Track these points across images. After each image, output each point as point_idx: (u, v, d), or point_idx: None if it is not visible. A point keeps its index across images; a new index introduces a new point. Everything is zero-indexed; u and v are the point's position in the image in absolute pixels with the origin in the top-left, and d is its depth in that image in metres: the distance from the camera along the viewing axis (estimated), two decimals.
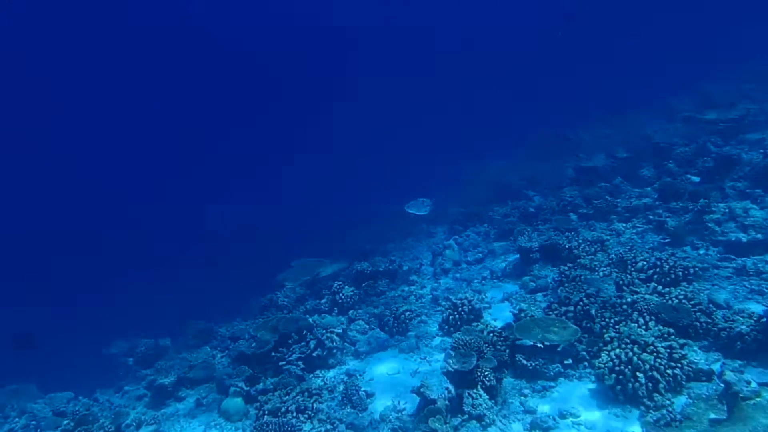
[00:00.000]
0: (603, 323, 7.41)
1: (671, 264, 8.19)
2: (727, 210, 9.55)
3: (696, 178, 11.75)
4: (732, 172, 11.04)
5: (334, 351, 8.59)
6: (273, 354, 8.64)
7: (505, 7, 41.77)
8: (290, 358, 8.43)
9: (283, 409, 7.05)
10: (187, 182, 29.10)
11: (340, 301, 10.65)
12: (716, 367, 6.45)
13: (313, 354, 8.45)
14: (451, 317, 8.71)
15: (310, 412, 7.08)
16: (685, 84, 19.80)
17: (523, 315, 8.19)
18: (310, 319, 10.29)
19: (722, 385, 5.59)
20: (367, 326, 9.39)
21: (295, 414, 6.99)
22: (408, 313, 9.23)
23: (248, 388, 7.96)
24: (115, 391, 10.92)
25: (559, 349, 7.23)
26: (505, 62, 37.31)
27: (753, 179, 10.47)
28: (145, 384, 9.72)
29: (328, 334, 8.64)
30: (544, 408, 6.50)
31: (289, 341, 8.68)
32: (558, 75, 30.82)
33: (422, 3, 41.37)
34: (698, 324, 7.03)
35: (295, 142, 34.86)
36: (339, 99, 38.60)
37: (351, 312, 10.06)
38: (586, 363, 7.08)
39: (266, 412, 7.09)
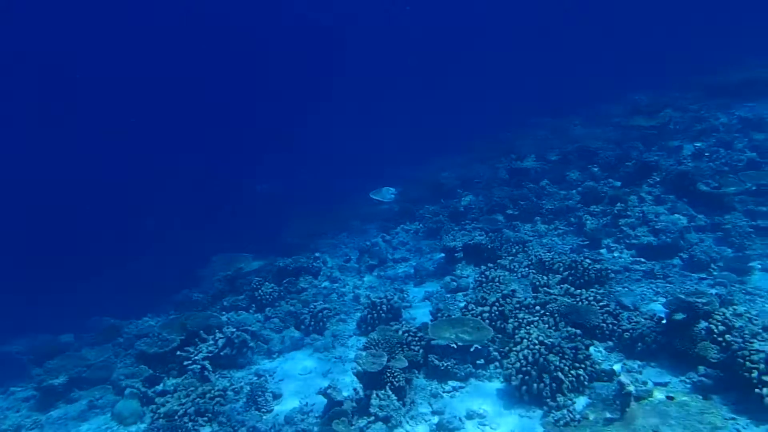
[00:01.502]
0: (516, 324, 7.55)
1: (585, 266, 8.46)
2: (640, 214, 10.01)
3: (617, 183, 12.26)
4: (649, 177, 11.59)
5: (245, 350, 8.32)
6: (178, 353, 8.27)
7: (463, 14, 42.37)
8: (196, 358, 8.08)
9: (180, 412, 6.72)
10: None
11: (258, 297, 10.36)
12: (618, 367, 6.71)
13: (221, 353, 8.14)
14: (369, 316, 8.65)
15: (210, 415, 6.80)
16: (620, 92, 20.72)
17: (440, 315, 8.25)
18: (226, 316, 10.00)
19: None
20: (283, 324, 9.17)
21: (193, 417, 6.69)
22: (326, 311, 9.09)
23: (146, 389, 7.57)
24: (2, 392, 10.14)
25: (471, 350, 7.30)
26: (458, 66, 37.87)
27: (667, 185, 11.04)
28: (34, 384, 9.05)
29: (238, 333, 8.35)
30: (452, 409, 6.53)
31: (197, 339, 8.34)
32: (507, 80, 31.61)
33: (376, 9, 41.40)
34: (605, 325, 7.29)
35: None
36: (287, 99, 37.97)
37: (268, 309, 9.79)
38: (497, 363, 7.19)
39: (161, 415, 6.74)
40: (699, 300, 6.66)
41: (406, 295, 9.80)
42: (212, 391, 7.19)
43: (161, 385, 7.67)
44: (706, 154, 12.47)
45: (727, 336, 6.17)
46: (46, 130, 29.59)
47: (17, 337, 12.81)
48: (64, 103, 31.56)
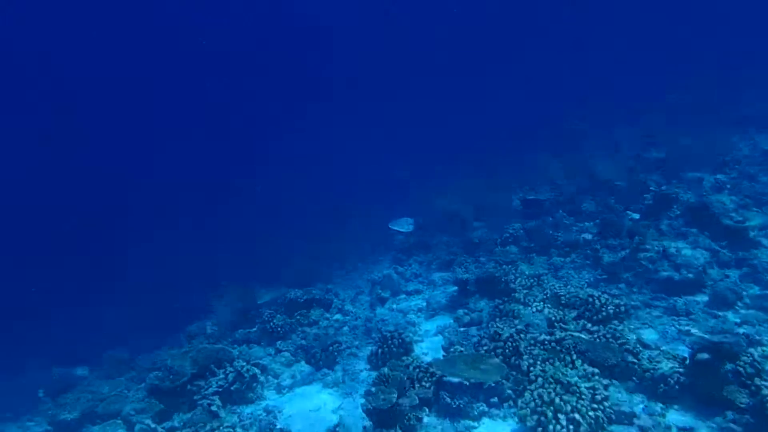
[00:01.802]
0: (531, 360, 7.32)
1: (602, 301, 8.22)
2: (660, 248, 9.75)
3: (636, 215, 12.03)
4: (669, 210, 11.35)
5: (254, 385, 8.19)
6: (189, 387, 8.18)
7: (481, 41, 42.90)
8: (206, 392, 7.98)
9: None
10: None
11: (270, 330, 10.28)
12: (638, 409, 6.42)
13: (232, 388, 8.02)
14: (380, 350, 8.48)
15: None
16: (637, 124, 20.60)
17: (452, 350, 8.06)
18: (238, 350, 9.93)
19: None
20: (294, 358, 9.04)
21: None
22: (336, 345, 8.95)
23: (155, 425, 7.46)
24: (18, 427, 10.13)
25: (485, 387, 7.07)
26: (473, 88, 38.18)
27: (687, 218, 10.78)
28: (48, 419, 9.02)
29: (248, 367, 8.24)
30: None
31: (207, 373, 8.24)
32: (520, 102, 31.69)
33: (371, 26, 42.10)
34: (624, 364, 7.02)
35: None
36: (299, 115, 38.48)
37: (279, 342, 9.67)
38: (511, 402, 6.94)
39: None
40: (725, 340, 6.40)
41: (418, 329, 9.63)
42: (221, 428, 7.05)
43: (171, 420, 7.55)
44: (728, 186, 12.21)
45: (756, 379, 5.87)
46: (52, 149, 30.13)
47: (33, 368, 12.93)
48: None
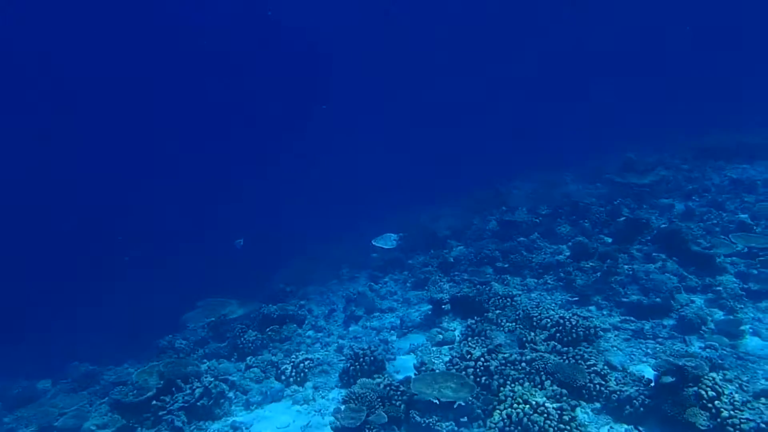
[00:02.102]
0: (501, 380, 7.37)
1: (573, 323, 8.35)
2: (631, 272, 9.96)
3: (609, 239, 12.28)
4: (641, 235, 11.61)
5: (222, 401, 8.06)
6: (154, 402, 8.00)
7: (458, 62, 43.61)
8: (171, 408, 7.82)
9: None
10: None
11: (240, 345, 10.16)
12: (604, 430, 6.51)
13: (198, 403, 7.88)
14: (351, 368, 8.44)
15: None
16: (611, 149, 21.13)
17: (423, 369, 8.07)
18: (207, 365, 9.76)
19: None
20: (263, 374, 8.92)
21: None
22: (308, 362, 8.88)
23: None
24: None
25: (455, 406, 7.09)
26: (457, 112, 38.71)
27: (658, 243, 11.04)
28: None
29: (216, 382, 8.12)
30: None
31: (173, 388, 8.09)
32: (502, 131, 32.29)
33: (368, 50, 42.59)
34: (592, 386, 7.11)
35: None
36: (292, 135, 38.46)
37: (249, 358, 9.55)
38: (480, 421, 6.96)
39: None
40: (688, 363, 6.55)
41: (391, 347, 9.62)
42: None
43: None
44: (697, 213, 12.56)
45: (716, 402, 6.02)
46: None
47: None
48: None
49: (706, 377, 6.36)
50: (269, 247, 20.14)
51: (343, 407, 6.81)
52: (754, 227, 11.19)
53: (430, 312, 10.57)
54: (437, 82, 41.82)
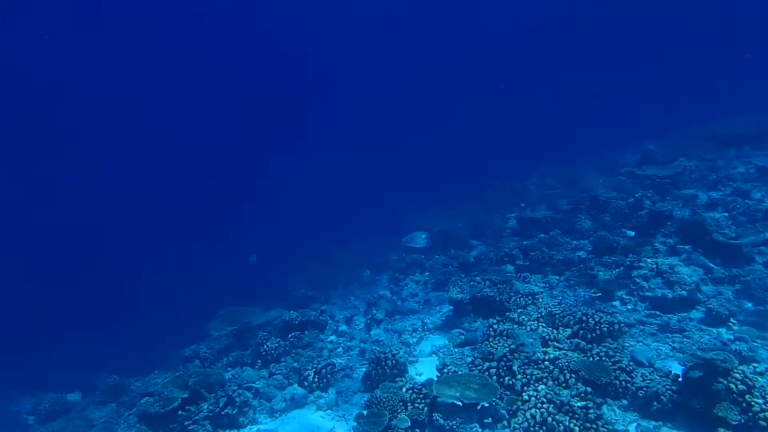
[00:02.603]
0: (524, 380, 7.32)
1: (596, 320, 8.25)
2: (654, 266, 9.80)
3: (631, 233, 12.09)
4: (663, 227, 11.42)
5: (246, 409, 8.15)
6: (180, 412, 8.14)
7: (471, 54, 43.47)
8: (197, 417, 7.95)
9: None
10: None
11: (263, 353, 10.26)
12: (632, 428, 6.42)
13: (222, 412, 7.99)
14: (373, 372, 8.46)
15: None
16: (630, 141, 20.82)
17: (446, 370, 8.05)
18: (231, 373, 9.91)
19: None
20: (286, 381, 9.00)
21: None
22: (330, 367, 8.93)
23: None
24: None
25: (478, 408, 7.06)
26: (467, 108, 38.56)
27: (682, 235, 10.84)
28: None
29: (240, 391, 8.23)
30: None
31: (198, 398, 8.22)
32: (513, 129, 32.03)
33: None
34: (617, 382, 7.02)
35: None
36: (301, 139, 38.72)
37: (272, 365, 9.65)
38: (505, 422, 6.92)
39: None
40: (717, 357, 6.43)
41: (412, 350, 9.63)
42: None
43: None
44: (722, 203, 12.30)
45: (747, 396, 5.89)
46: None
47: (25, 394, 12.85)
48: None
49: (735, 371, 6.23)
50: (284, 251, 20.32)
51: (365, 412, 6.84)
52: None
53: (451, 313, 10.55)
54: (444, 80, 41.77)
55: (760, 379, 6.20)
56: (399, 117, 38.46)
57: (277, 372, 9.36)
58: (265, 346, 10.29)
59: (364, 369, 9.11)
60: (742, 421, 5.72)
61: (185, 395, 8.28)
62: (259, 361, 10.23)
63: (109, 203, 28.29)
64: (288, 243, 21.38)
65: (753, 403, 5.73)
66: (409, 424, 6.64)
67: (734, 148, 16.25)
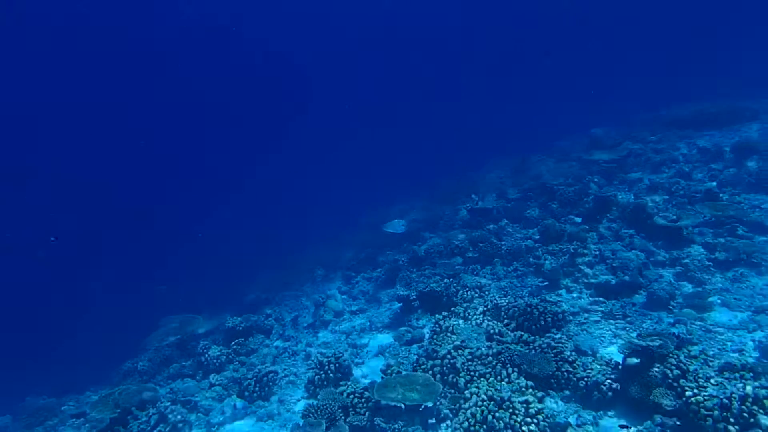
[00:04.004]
0: (468, 377, 7.23)
1: (541, 310, 8.24)
2: (598, 252, 9.89)
3: (578, 219, 12.21)
4: (609, 212, 11.56)
5: (180, 425, 7.80)
6: None
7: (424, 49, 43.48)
8: None
9: None
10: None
11: (205, 362, 9.89)
12: (573, 419, 6.40)
13: (154, 431, 7.62)
14: (317, 377, 8.25)
15: None
16: (578, 127, 21.17)
17: (389, 372, 7.89)
18: (169, 387, 9.51)
19: None
20: (226, 392, 8.68)
21: None
22: (272, 375, 8.66)
23: None
24: None
25: (421, 409, 6.93)
26: (417, 103, 38.60)
27: (625, 220, 10.99)
28: None
29: (173, 407, 7.86)
30: None
31: (129, 417, 7.82)
32: (464, 120, 32.21)
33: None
34: (560, 374, 7.00)
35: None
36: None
37: (212, 376, 9.30)
38: (449, 422, 6.82)
39: None
40: (653, 343, 6.47)
41: (359, 351, 9.44)
42: None
43: None
44: (665, 186, 12.54)
45: (681, 381, 5.93)
46: None
47: None
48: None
49: (671, 355, 6.28)
50: (244, 254, 19.91)
51: (301, 421, 6.61)
52: (721, 195, 11.18)
53: (399, 310, 10.40)
54: (403, 78, 41.80)
55: (694, 362, 6.27)
56: (360, 117, 38.27)
57: (217, 383, 9.02)
58: (206, 356, 9.92)
59: (310, 374, 8.89)
60: (677, 406, 5.75)
61: (115, 415, 7.86)
62: (201, 371, 9.87)
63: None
64: (249, 246, 20.99)
65: (686, 387, 5.77)
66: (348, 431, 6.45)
67: (678, 130, 16.65)
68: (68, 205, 27.46)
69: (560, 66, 36.37)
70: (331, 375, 8.15)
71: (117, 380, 11.37)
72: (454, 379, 7.29)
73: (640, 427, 5.92)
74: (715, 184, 12.20)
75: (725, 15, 36.92)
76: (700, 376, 5.92)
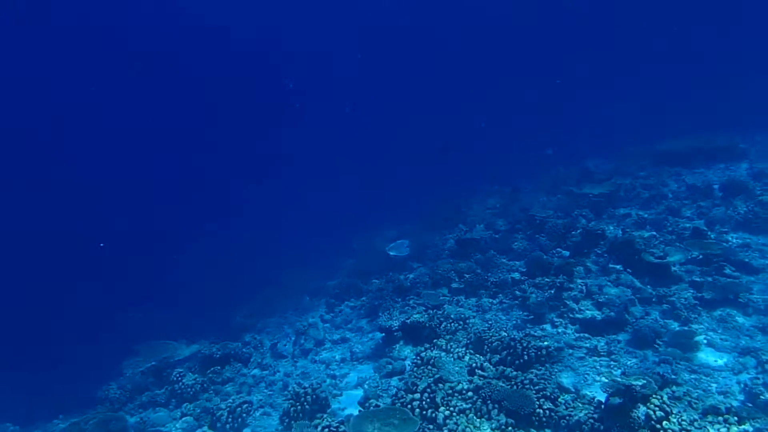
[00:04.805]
0: (447, 413, 7.06)
1: (524, 345, 8.12)
2: (584, 287, 9.82)
3: (566, 252, 12.18)
4: (597, 246, 11.54)
5: None
6: None
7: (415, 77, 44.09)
8: None
9: None
10: None
11: (179, 391, 9.63)
12: None
13: None
14: (292, 409, 8.02)
15: None
16: (570, 159, 21.34)
17: (368, 404, 7.70)
18: (139, 416, 9.23)
19: None
20: (196, 423, 8.43)
21: None
22: (246, 405, 8.43)
23: None
24: None
25: None
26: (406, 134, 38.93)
27: (613, 255, 10.97)
28: None
29: None
30: None
31: None
32: (460, 145, 32.39)
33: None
34: (541, 411, 6.85)
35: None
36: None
37: (184, 405, 9.04)
38: None
39: None
40: (636, 382, 6.36)
41: (338, 382, 9.25)
42: None
43: None
44: (653, 221, 12.58)
45: (665, 423, 5.81)
46: None
47: None
48: None
49: (654, 396, 6.16)
50: (234, 275, 19.67)
51: None
52: (709, 233, 11.20)
53: (381, 341, 10.23)
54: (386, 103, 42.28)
55: (677, 404, 6.17)
56: (352, 139, 38.47)
57: (188, 413, 8.76)
58: (180, 384, 9.67)
59: (286, 405, 8.65)
60: None
61: None
62: (174, 400, 9.60)
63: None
64: (235, 266, 20.76)
65: (669, 430, 5.65)
66: None
67: (668, 166, 16.82)
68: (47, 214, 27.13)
69: (559, 95, 36.95)
70: (307, 407, 7.93)
71: (87, 408, 11.06)
72: (433, 414, 7.11)
73: None
74: (703, 221, 12.26)
75: (724, 45, 37.94)
76: (684, 419, 5.80)
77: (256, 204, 30.34)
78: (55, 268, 21.90)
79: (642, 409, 6.10)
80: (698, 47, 38.74)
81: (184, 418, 8.62)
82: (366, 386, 8.75)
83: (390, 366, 9.11)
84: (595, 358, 8.32)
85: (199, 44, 37.59)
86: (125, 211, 29.24)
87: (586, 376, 7.89)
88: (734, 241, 11.17)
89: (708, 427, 5.61)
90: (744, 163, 16.06)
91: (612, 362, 8.12)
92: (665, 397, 6.13)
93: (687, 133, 19.18)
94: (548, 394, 7.10)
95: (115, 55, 33.74)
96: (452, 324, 9.55)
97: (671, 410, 5.93)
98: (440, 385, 7.54)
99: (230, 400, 8.58)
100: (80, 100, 33.68)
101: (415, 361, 8.64)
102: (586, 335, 8.92)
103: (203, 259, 22.12)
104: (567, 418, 6.64)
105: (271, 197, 30.82)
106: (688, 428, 5.63)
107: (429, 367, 8.16)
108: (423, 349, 8.78)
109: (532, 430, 6.77)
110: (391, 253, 13.61)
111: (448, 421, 6.91)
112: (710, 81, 32.58)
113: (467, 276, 11.73)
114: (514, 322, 9.91)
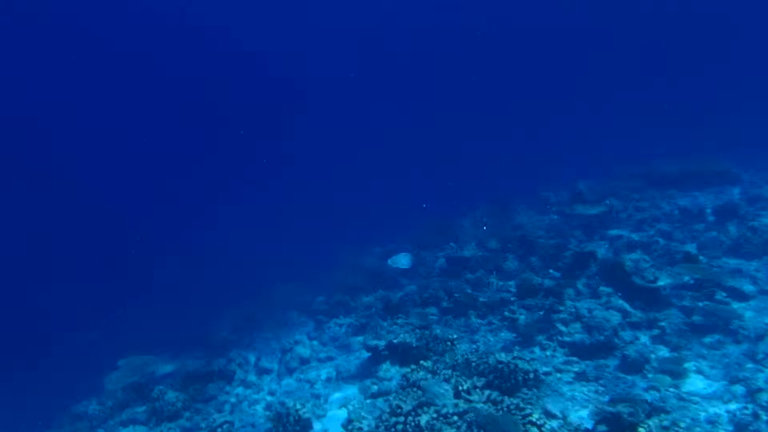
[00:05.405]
0: None
1: (512, 368, 8.03)
2: (574, 309, 9.78)
3: (557, 273, 12.15)
4: (588, 268, 11.52)
5: None
6: None
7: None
8: None
9: None
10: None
11: (159, 409, 9.46)
12: None
13: None
14: (274, 430, 7.89)
15: None
16: (562, 179, 21.40)
17: (350, 427, 7.59)
18: None
19: None
20: None
21: None
22: (227, 425, 8.29)
23: None
24: None
25: None
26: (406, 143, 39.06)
27: (604, 277, 10.95)
28: None
29: None
30: None
31: None
32: (453, 165, 32.54)
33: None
34: None
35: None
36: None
37: (164, 424, 8.89)
38: None
39: None
40: (624, 409, 6.30)
41: (322, 402, 9.11)
42: None
43: None
44: (644, 244, 12.59)
45: None
46: None
47: None
48: None
49: (642, 425, 6.11)
50: (222, 287, 19.49)
51: None
52: (700, 257, 11.21)
53: (367, 361, 10.12)
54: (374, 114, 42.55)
55: None
56: (341, 156, 38.65)
57: None
58: (161, 401, 9.51)
59: (268, 425, 8.52)
60: None
61: None
62: (154, 418, 9.44)
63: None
64: (222, 277, 20.58)
65: None
66: None
67: (660, 189, 16.91)
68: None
69: (555, 114, 37.33)
70: (289, 428, 7.81)
71: (65, 424, 10.87)
72: None
73: None
74: (695, 245, 12.29)
75: (721, 69, 38.53)
76: None
77: (245, 213, 30.31)
78: (35, 273, 21.75)
79: None
80: (690, 74, 39.34)
81: None
82: (350, 407, 8.64)
83: (375, 387, 9.00)
84: (584, 382, 8.25)
85: (198, 44, 37.77)
86: (111, 214, 29.22)
87: (573, 400, 7.81)
88: (726, 265, 11.19)
89: None
90: (737, 188, 16.17)
91: (600, 387, 8.04)
92: (653, 426, 6.06)
93: (680, 156, 19.36)
94: (534, 420, 7.00)
95: (115, 55, 33.75)
96: (440, 345, 9.47)
97: None
98: (425, 408, 7.44)
99: (211, 420, 8.43)
100: (70, 100, 33.70)
101: (401, 382, 8.55)
102: (575, 359, 8.86)
103: (190, 269, 22.00)
104: None
105: (263, 205, 30.80)
106: None
107: (415, 389, 8.07)
108: (410, 370, 8.67)
109: None
110: (394, 265, 13.53)
111: None
112: (704, 106, 33.04)
113: (457, 295, 11.65)
114: (503, 343, 9.84)
